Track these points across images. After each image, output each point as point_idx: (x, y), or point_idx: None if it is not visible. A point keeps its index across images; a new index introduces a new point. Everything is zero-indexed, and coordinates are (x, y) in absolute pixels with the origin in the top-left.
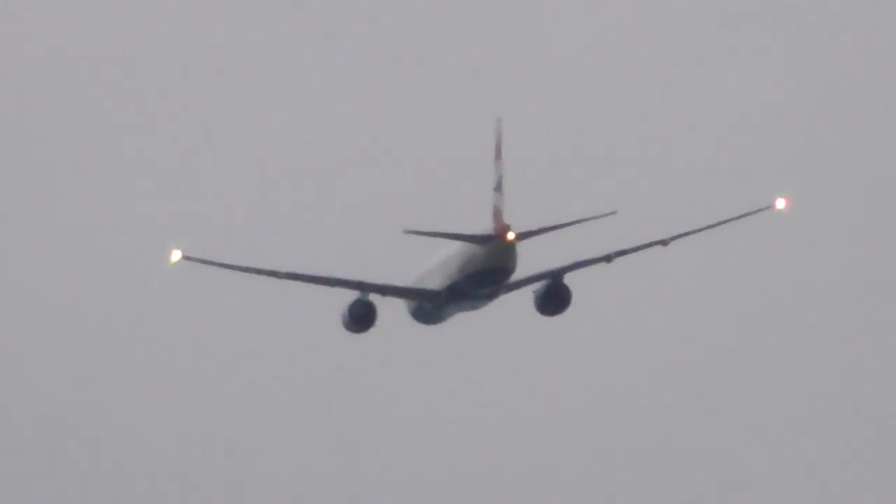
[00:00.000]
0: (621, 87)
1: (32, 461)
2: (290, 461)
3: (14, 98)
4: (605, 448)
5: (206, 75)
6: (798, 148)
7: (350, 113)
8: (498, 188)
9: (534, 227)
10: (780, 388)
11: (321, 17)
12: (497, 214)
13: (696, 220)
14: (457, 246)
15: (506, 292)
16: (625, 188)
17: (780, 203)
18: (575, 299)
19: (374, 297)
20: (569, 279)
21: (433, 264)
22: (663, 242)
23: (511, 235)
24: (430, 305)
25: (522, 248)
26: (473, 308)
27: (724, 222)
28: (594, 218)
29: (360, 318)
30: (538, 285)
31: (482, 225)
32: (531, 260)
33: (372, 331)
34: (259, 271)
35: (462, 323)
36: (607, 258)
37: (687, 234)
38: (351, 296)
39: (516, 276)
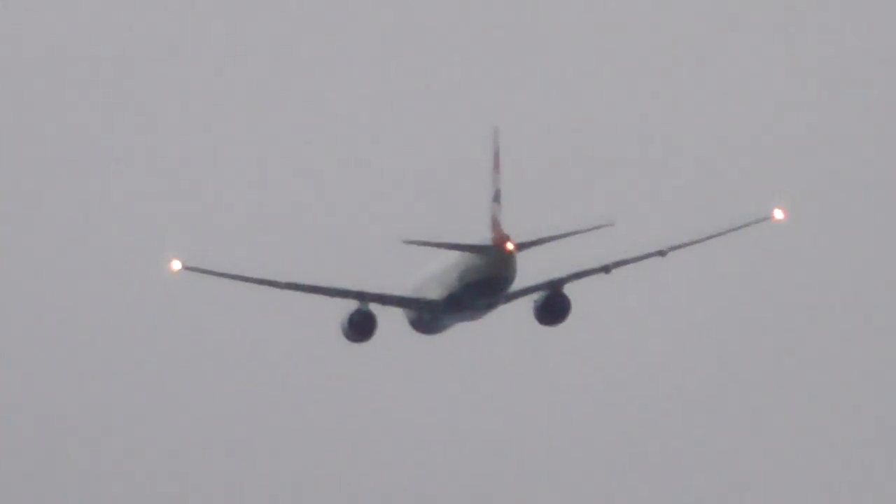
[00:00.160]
0: (619, 97)
1: (32, 466)
2: (290, 471)
3: (9, 107)
4: (603, 457)
5: (207, 83)
6: (796, 159)
7: (349, 122)
8: (496, 198)
9: (533, 238)
10: (779, 397)
11: (320, 28)
12: (496, 224)
13: (695, 230)
14: (456, 256)
15: (505, 302)
16: (623, 199)
17: (779, 214)
18: (574, 309)
19: (373, 307)
20: (568, 289)
21: (432, 274)
22: (662, 253)
23: (510, 245)
24: (429, 315)
25: (522, 259)
26: (473, 318)
27: (723, 233)
28: (593, 229)
29: (360, 327)
30: (537, 295)
31: (481, 235)
32: (530, 270)
33: (372, 340)
34: (259, 281)
35: (462, 333)
36: (606, 269)
37: (685, 244)
38: (351, 306)
39: (515, 286)
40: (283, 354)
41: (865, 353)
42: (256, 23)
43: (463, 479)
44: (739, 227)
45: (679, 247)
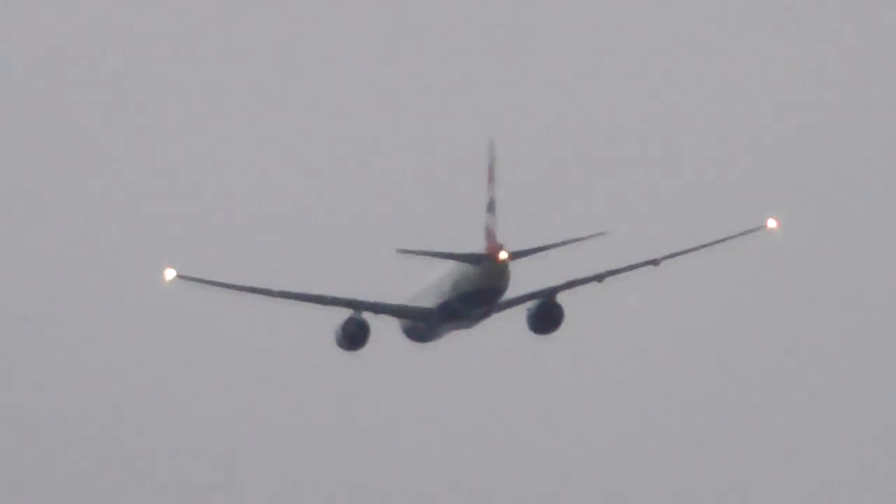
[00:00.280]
0: (614, 107)
1: (27, 470)
2: (284, 479)
3: (5, 111)
4: (597, 466)
5: (203, 94)
6: (790, 169)
7: (344, 131)
8: (490, 208)
9: (526, 247)
10: (773, 406)
11: (315, 36)
12: (490, 234)
13: (688, 240)
14: (450, 265)
15: (498, 311)
16: (616, 208)
17: (772, 223)
18: (567, 318)
19: (367, 316)
20: (561, 298)
21: (426, 283)
22: (655, 262)
23: (504, 255)
24: (422, 324)
25: (515, 268)
26: (466, 327)
27: (716, 242)
28: (586, 238)
29: (354, 336)
30: (531, 304)
31: (475, 244)
32: (524, 279)
33: (365, 349)
34: (252, 290)
35: (455, 341)
36: (599, 278)
37: (678, 254)
38: (344, 314)
39: (509, 295)
40: (276, 363)
41: (860, 362)
42: (250, 34)
43: (456, 488)
44: (733, 237)
45: (672, 256)
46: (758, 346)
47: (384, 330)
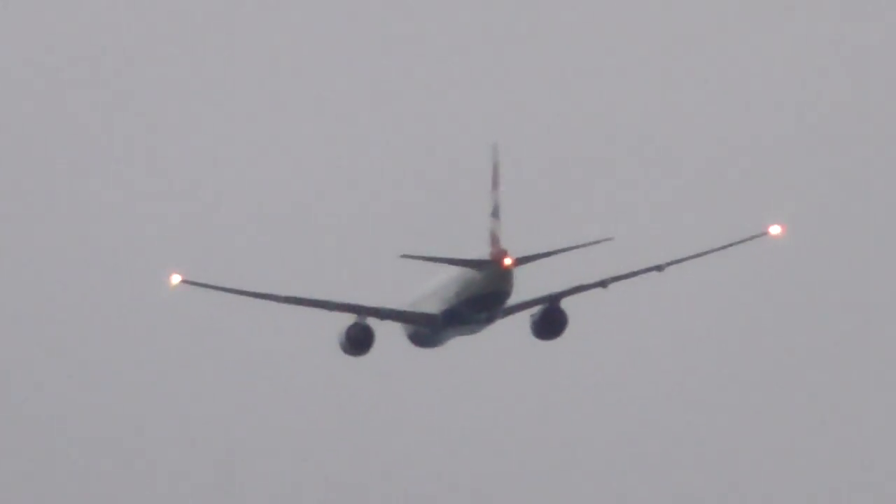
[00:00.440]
0: (617, 113)
1: (25, 475)
2: (289, 482)
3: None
4: (601, 470)
5: (208, 98)
6: (793, 175)
7: (348, 137)
8: (495, 214)
9: (531, 253)
10: (776, 411)
11: (317, 42)
12: (494, 240)
13: (692, 246)
14: (454, 270)
15: (503, 317)
16: (621, 214)
17: (775, 229)
18: (571, 324)
19: (371, 321)
20: (565, 304)
21: (430, 288)
22: (659, 268)
23: (508, 261)
24: (427, 329)
25: (520, 273)
26: (471, 332)
27: (720, 248)
28: (591, 244)
29: (358, 341)
30: (535, 310)
31: (480, 250)
32: (528, 285)
33: (369, 354)
34: (257, 295)
35: (459, 347)
36: (603, 283)
37: (682, 259)
38: (348, 319)
39: (513, 300)
40: (281, 368)
41: (863, 366)
42: (251, 41)
43: (460, 492)
44: (736, 243)
45: (676, 262)
46: (761, 351)
47: (389, 335)
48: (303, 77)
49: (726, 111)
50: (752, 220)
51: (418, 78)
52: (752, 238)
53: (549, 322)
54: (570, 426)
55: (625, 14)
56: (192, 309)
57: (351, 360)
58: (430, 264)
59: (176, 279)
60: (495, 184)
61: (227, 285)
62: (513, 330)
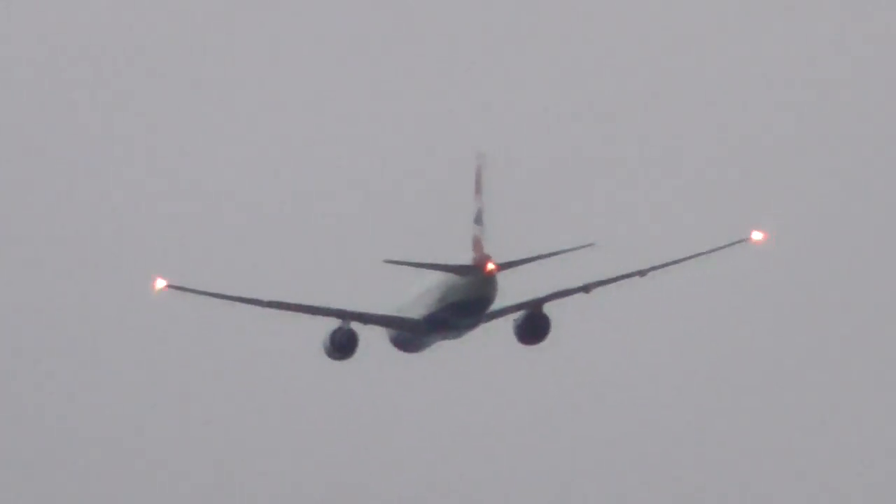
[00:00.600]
0: (601, 120)
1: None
2: (273, 486)
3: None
4: (584, 475)
5: (194, 104)
6: (775, 181)
7: (332, 144)
8: (478, 220)
9: (513, 258)
10: (758, 414)
11: (306, 48)
12: (477, 245)
13: (675, 251)
14: (437, 276)
15: (486, 322)
16: (604, 219)
17: (757, 235)
18: (554, 328)
19: (355, 326)
20: (548, 309)
21: (414, 294)
22: (641, 273)
23: (491, 266)
24: (410, 334)
25: (502, 278)
26: (454, 336)
27: (702, 254)
28: (572, 249)
29: (342, 345)
30: (518, 314)
31: (463, 256)
32: (511, 290)
33: (353, 358)
34: (241, 300)
35: (443, 351)
36: (586, 288)
37: (665, 265)
38: (332, 324)
39: (496, 305)
40: (265, 372)
41: (848, 371)
42: (239, 53)
43: (445, 495)
44: (718, 249)
45: (659, 267)
46: (745, 356)
47: (372, 339)
48: (287, 84)
49: (709, 118)
50: (735, 226)
51: (403, 85)
52: (734, 244)
53: (533, 327)
54: (554, 430)
55: (610, 21)
56: (176, 314)
57: (335, 364)
58: (414, 270)
59: (160, 284)
60: (478, 190)
61: (211, 290)
62: (496, 334)
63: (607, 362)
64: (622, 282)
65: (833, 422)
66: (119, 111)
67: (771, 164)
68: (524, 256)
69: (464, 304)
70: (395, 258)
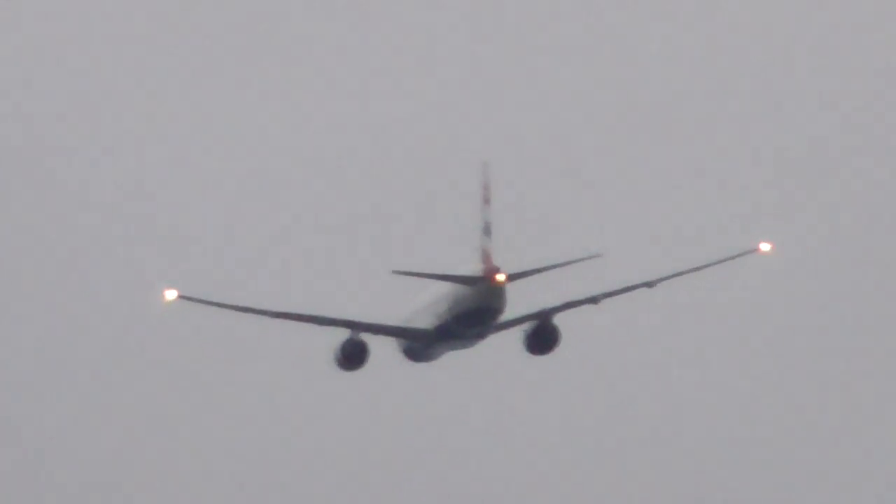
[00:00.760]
0: (608, 130)
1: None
2: (282, 497)
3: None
4: (593, 485)
5: (203, 112)
6: (784, 192)
7: (340, 153)
8: (486, 231)
9: (522, 269)
10: (768, 424)
11: (311, 55)
12: (486, 256)
13: (683, 262)
14: (447, 287)
15: (495, 332)
16: (612, 230)
17: (765, 246)
18: (563, 339)
19: (365, 336)
20: (557, 320)
21: (423, 304)
22: (649, 284)
23: (500, 277)
24: (420, 344)
25: (512, 289)
26: (464, 347)
27: (710, 265)
28: (580, 260)
29: (352, 356)
30: (527, 325)
31: (472, 266)
32: (521, 300)
33: (364, 369)
34: (252, 310)
35: (453, 361)
36: (594, 299)
37: (673, 276)
38: (342, 335)
39: (505, 316)
40: (276, 383)
41: (857, 382)
42: (244, 64)
43: None
44: (726, 259)
45: (667, 278)
46: (753, 367)
47: (383, 350)
48: (297, 95)
49: (719, 129)
50: (743, 237)
51: (411, 95)
52: (742, 255)
53: (542, 338)
54: (563, 441)
55: (620, 31)
56: (187, 324)
57: (345, 374)
58: (423, 280)
59: (171, 294)
60: (486, 201)
61: (222, 301)
62: (505, 345)
63: (616, 373)
64: (630, 293)
65: (843, 431)
66: (130, 119)
67: (779, 174)
68: (533, 267)
69: (473, 315)
70: (404, 269)
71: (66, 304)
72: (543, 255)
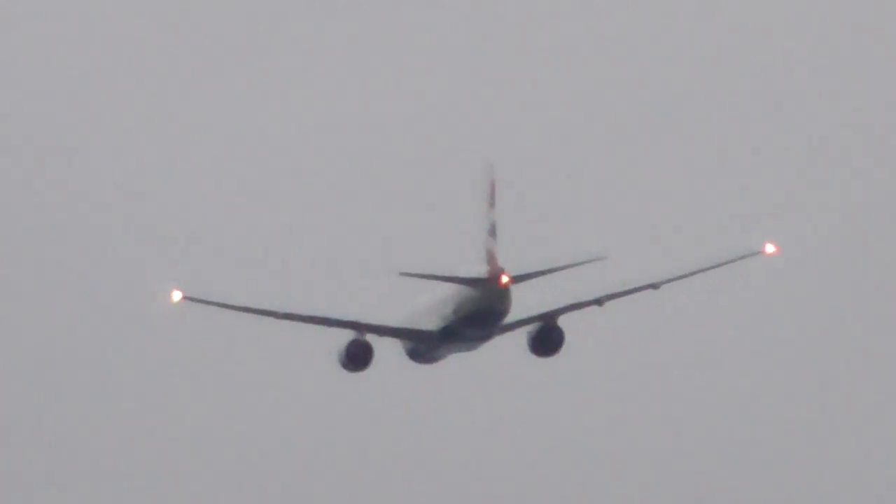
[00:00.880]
0: (613, 131)
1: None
2: (287, 498)
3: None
4: (598, 487)
5: (208, 113)
6: (787, 194)
7: (346, 154)
8: (491, 232)
9: (527, 271)
10: (773, 427)
11: (315, 56)
12: (491, 258)
13: (688, 264)
14: (452, 288)
15: (500, 334)
16: (617, 232)
17: (770, 248)
18: (568, 341)
19: (370, 337)
20: (562, 321)
21: (428, 306)
22: (654, 286)
23: (505, 279)
24: (425, 346)
25: (516, 291)
26: (468, 349)
27: (715, 267)
28: (585, 262)
29: (357, 357)
30: (532, 327)
31: (477, 268)
32: (525, 302)
33: (368, 370)
34: (257, 311)
35: (457, 363)
36: (599, 301)
37: (678, 278)
38: (347, 336)
39: (510, 318)
40: (281, 383)
41: (861, 386)
42: (247, 68)
43: None
44: (731, 261)
45: (672, 280)
46: (758, 369)
47: (388, 351)
48: (300, 91)
49: (722, 130)
50: (748, 239)
51: (416, 95)
52: (747, 256)
53: (546, 339)
54: (568, 443)
55: (619, 32)
56: (193, 325)
57: (350, 375)
58: (429, 282)
59: (177, 295)
60: (491, 202)
61: (227, 301)
62: (510, 347)
63: (621, 375)
64: (635, 294)
65: (848, 433)
66: (132, 118)
67: (785, 176)
68: (537, 269)
69: (478, 317)
70: (410, 270)
71: (72, 306)
72: (548, 257)
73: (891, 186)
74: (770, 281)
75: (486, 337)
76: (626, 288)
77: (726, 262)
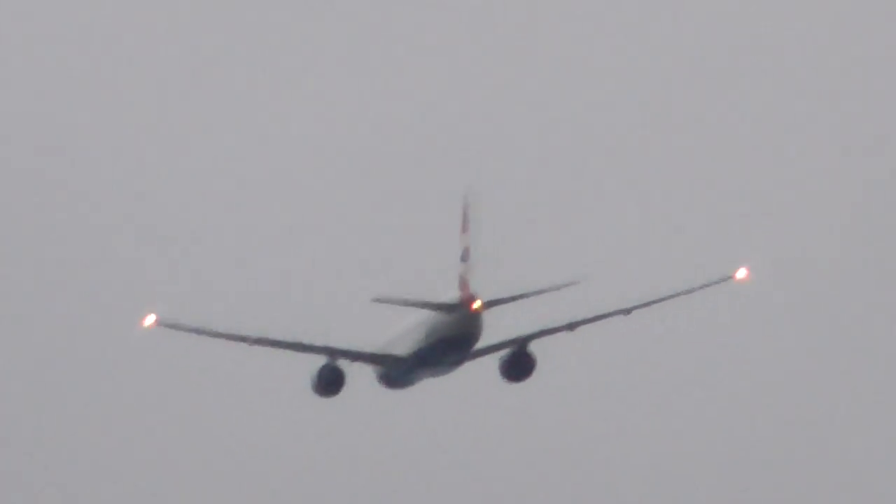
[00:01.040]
0: (585, 157)
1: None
2: None
3: None
4: None
5: (186, 137)
6: (760, 220)
7: (320, 179)
8: (464, 257)
9: (499, 296)
10: (745, 450)
11: (296, 77)
12: (463, 283)
13: (659, 290)
14: (424, 313)
15: (472, 359)
16: (589, 258)
17: (741, 273)
18: (539, 366)
19: (342, 363)
20: (534, 347)
21: (400, 330)
22: (625, 311)
23: (477, 304)
24: (397, 371)
25: (488, 316)
26: (440, 374)
27: (686, 292)
28: (558, 287)
29: (329, 382)
30: (503, 352)
31: (449, 293)
32: (497, 327)
33: (340, 395)
34: (230, 336)
35: (429, 388)
36: (571, 326)
37: (649, 303)
38: (320, 361)
39: (482, 343)
40: (252, 409)
41: (839, 408)
42: (233, 84)
43: None
44: (702, 287)
45: (643, 305)
46: (728, 394)
47: (360, 376)
48: (276, 114)
49: (694, 156)
50: (719, 265)
51: (391, 120)
52: (718, 282)
53: (518, 365)
54: (539, 468)
55: (596, 55)
56: (164, 350)
57: (322, 400)
58: (401, 307)
59: (150, 320)
60: (465, 228)
61: (199, 327)
62: (482, 372)
63: (592, 400)
64: (607, 320)
65: (825, 461)
66: (107, 139)
67: (755, 202)
68: (510, 294)
69: (450, 342)
70: (383, 296)
71: (47, 329)
72: (521, 282)
73: (866, 213)
74: (741, 306)
75: (457, 362)
76: (598, 313)
77: (698, 288)
